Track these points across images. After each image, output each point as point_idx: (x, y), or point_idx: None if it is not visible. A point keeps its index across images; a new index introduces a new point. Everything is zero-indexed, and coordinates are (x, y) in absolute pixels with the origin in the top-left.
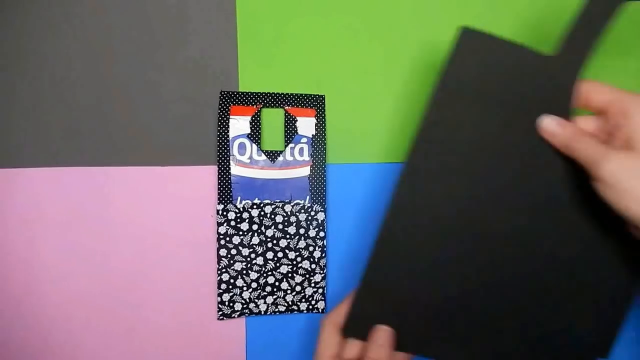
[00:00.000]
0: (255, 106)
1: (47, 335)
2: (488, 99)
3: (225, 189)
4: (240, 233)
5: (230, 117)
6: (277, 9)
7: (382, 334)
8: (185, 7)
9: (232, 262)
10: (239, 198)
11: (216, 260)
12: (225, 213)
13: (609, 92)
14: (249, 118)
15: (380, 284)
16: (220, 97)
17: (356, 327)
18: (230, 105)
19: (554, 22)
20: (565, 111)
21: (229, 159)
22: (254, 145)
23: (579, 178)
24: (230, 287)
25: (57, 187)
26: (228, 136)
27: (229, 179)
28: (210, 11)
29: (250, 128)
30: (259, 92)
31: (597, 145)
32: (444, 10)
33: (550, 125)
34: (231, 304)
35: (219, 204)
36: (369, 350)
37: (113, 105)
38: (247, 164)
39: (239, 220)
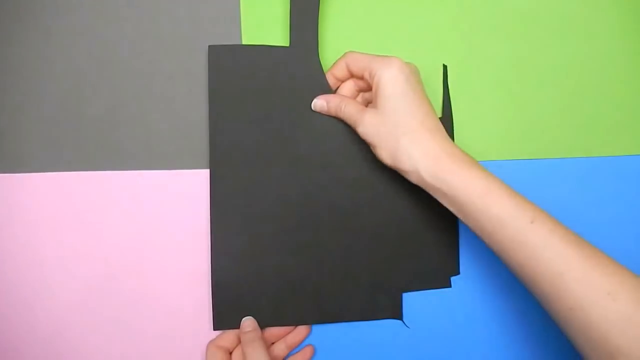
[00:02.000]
0: None
1: (49, 337)
2: (256, 101)
3: None
4: None
5: None
6: (281, 14)
7: (248, 323)
8: (188, 13)
9: None
10: None
11: None
12: None
13: (362, 59)
14: None
15: (227, 274)
16: None
17: (224, 319)
18: None
19: None
20: (326, 88)
21: None
22: None
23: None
24: None
25: (58, 192)
26: None
27: None
28: (212, 16)
29: None
30: None
31: (356, 108)
32: (447, 20)
33: (318, 104)
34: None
35: None
36: (243, 344)
37: (114, 111)
38: None
39: None
